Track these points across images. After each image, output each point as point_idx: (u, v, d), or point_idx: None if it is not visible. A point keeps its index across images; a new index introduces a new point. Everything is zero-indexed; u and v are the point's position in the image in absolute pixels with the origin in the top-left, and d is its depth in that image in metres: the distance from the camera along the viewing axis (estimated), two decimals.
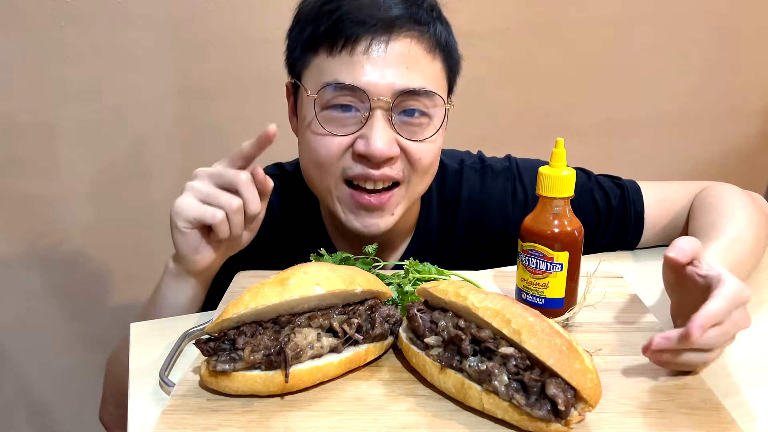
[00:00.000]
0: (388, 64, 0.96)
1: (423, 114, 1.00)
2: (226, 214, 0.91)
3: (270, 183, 0.94)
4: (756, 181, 2.35)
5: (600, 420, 0.68)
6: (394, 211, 1.04)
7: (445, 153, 1.19)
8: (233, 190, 0.92)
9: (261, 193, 0.94)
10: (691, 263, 0.79)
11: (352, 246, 1.09)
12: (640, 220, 1.17)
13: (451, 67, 1.06)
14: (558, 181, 0.84)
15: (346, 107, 0.98)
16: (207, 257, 0.97)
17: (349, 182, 1.01)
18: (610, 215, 1.17)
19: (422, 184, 1.06)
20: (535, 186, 0.87)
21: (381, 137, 0.96)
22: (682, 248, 0.77)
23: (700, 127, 2.22)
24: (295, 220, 1.19)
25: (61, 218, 1.69)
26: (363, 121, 0.97)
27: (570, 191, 0.85)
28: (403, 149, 1.00)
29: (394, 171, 1.00)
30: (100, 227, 1.72)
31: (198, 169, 0.93)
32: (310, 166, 1.04)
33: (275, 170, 1.24)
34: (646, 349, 0.73)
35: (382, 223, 1.03)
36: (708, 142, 2.25)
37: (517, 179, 1.19)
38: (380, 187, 1.01)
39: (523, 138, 1.98)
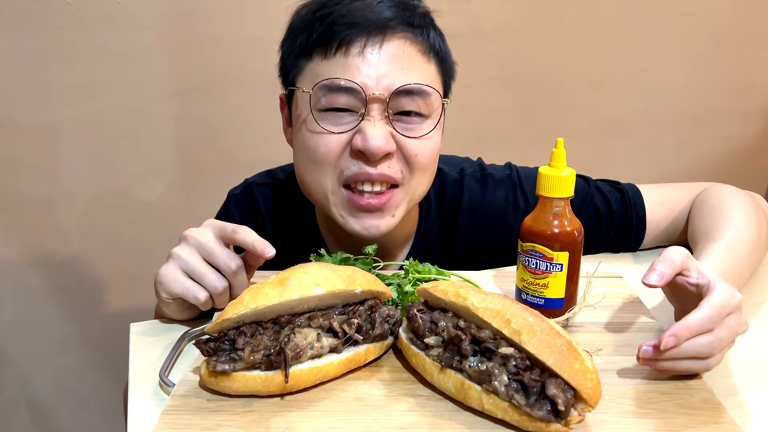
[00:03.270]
0: (383, 64, 0.96)
1: (419, 114, 0.99)
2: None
3: (265, 256, 0.89)
4: (756, 181, 2.35)
5: (600, 420, 0.68)
6: (395, 213, 1.02)
7: (444, 160, 1.18)
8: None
9: (251, 267, 0.91)
10: (681, 273, 0.79)
11: (350, 253, 1.08)
12: (642, 223, 1.17)
13: (446, 71, 1.05)
14: (558, 181, 0.84)
15: (342, 110, 0.97)
16: (192, 315, 0.95)
17: (347, 186, 1.00)
18: (612, 219, 1.17)
19: (422, 185, 1.04)
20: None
21: (378, 133, 0.95)
22: (660, 272, 0.77)
23: (700, 127, 2.22)
24: (290, 229, 1.17)
25: (60, 218, 1.69)
26: (359, 119, 0.97)
27: (570, 191, 0.85)
28: (399, 146, 0.98)
29: (391, 171, 0.99)
30: (100, 227, 1.72)
31: (187, 231, 0.89)
32: (306, 169, 1.02)
33: (267, 178, 1.22)
34: (638, 358, 0.74)
35: (382, 224, 1.01)
36: (708, 142, 2.25)
37: (518, 187, 1.18)
38: (378, 189, 1.00)
39: (522, 138, 1.98)
